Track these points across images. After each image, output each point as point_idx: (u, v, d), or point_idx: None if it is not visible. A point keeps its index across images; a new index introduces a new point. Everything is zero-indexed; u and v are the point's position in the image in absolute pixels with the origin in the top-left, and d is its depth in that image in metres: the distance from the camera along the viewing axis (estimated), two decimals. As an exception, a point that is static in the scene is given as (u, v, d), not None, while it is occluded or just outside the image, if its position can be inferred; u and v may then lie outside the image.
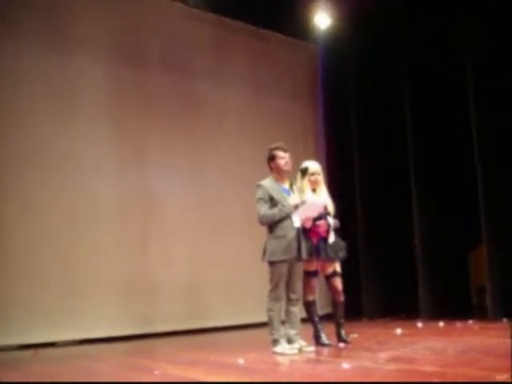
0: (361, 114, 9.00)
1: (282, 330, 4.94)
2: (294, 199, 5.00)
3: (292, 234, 4.91)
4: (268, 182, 5.07)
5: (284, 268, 4.89)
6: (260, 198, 4.99)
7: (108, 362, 5.24)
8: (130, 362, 5.22)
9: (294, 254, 4.90)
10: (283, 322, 5.02)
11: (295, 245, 4.91)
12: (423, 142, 8.02)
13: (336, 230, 5.31)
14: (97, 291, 7.13)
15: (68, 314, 6.85)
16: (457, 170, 7.86)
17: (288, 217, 4.92)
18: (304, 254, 4.98)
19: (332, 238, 5.24)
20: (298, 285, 5.10)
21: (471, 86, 7.30)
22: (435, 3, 7.85)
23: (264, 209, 4.94)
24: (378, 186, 8.71)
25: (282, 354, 4.76)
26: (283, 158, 5.05)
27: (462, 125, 7.50)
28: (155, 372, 4.19)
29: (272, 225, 4.95)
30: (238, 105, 8.79)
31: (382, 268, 8.51)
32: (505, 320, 6.60)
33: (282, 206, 4.92)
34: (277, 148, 5.10)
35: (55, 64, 7.22)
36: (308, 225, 5.02)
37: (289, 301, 5.02)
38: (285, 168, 5.07)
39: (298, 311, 5.08)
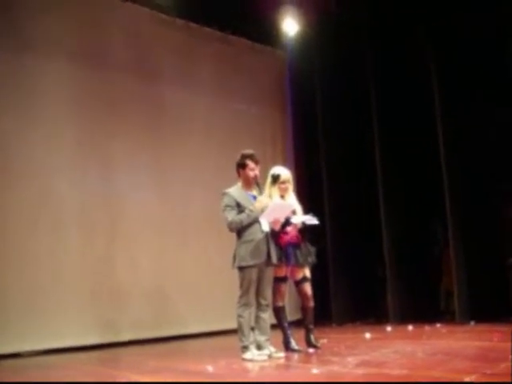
0: (328, 119, 9.03)
1: (252, 337, 4.89)
2: (262, 200, 4.95)
3: (261, 238, 4.87)
4: (234, 190, 5.03)
5: (254, 273, 4.85)
6: (227, 205, 4.94)
7: (73, 372, 5.11)
8: (95, 372, 5.11)
9: (263, 258, 4.86)
10: (253, 329, 4.97)
11: (264, 249, 4.87)
12: (390, 146, 8.09)
13: (314, 227, 5.29)
14: (61, 299, 6.96)
15: (32, 324, 6.66)
16: (424, 174, 7.95)
17: (256, 221, 4.89)
18: (274, 259, 4.94)
19: (300, 218, 5.20)
20: (268, 290, 5.06)
21: (436, 88, 7.40)
22: (401, 11, 7.93)
23: (231, 215, 4.89)
24: (346, 191, 8.74)
25: (251, 360, 4.71)
26: (253, 170, 5.00)
27: (429, 129, 7.57)
28: (120, 381, 4.09)
29: (241, 230, 4.91)
30: (205, 110, 8.71)
31: (350, 273, 8.53)
32: (472, 323, 6.67)
33: (250, 210, 4.89)
34: (249, 157, 5.03)
35: (17, 66, 7.04)
36: (277, 227, 4.98)
37: (259, 307, 4.97)
38: (252, 180, 5.02)
39: (268, 317, 5.04)
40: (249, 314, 4.87)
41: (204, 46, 8.87)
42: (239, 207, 4.92)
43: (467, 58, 7.24)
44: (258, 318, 4.98)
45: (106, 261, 7.47)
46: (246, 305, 4.86)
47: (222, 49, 9.06)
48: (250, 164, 5.00)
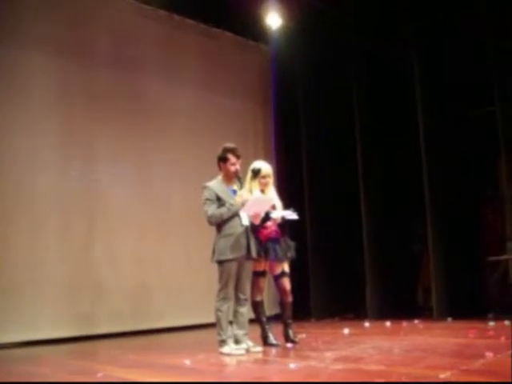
0: (311, 115, 9.04)
1: (230, 331, 4.89)
2: (242, 194, 4.93)
3: (240, 232, 4.87)
4: (215, 184, 5.02)
5: (233, 267, 4.84)
6: (207, 199, 4.92)
7: (49, 365, 5.05)
8: (72, 365, 5.07)
9: (242, 252, 4.85)
10: (231, 323, 4.97)
11: (244, 242, 4.87)
12: (371, 144, 8.13)
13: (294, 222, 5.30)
14: (38, 291, 6.88)
15: (7, 315, 6.58)
16: (404, 172, 8.01)
17: (236, 215, 4.88)
18: (253, 253, 4.93)
19: (280, 213, 5.21)
20: (247, 285, 5.06)
21: (419, 87, 7.45)
22: (386, 7, 7.96)
23: (212, 209, 4.87)
24: (327, 188, 8.77)
25: (228, 354, 4.71)
26: (234, 165, 4.99)
27: (410, 127, 7.63)
28: (98, 374, 4.06)
29: (220, 224, 4.89)
30: (188, 103, 8.66)
31: (329, 268, 8.57)
32: (449, 320, 6.74)
33: (231, 204, 4.88)
34: (231, 151, 5.00)
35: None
36: (257, 221, 4.97)
37: (237, 301, 4.97)
38: (233, 174, 5.01)
39: (247, 312, 5.04)
40: (227, 308, 4.86)
41: (187, 38, 8.80)
42: (219, 201, 4.90)
43: (451, 57, 7.31)
44: (236, 312, 4.98)
45: (85, 254, 7.40)
46: (225, 299, 4.85)
47: (206, 42, 9.01)
48: (232, 158, 4.98)
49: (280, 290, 5.33)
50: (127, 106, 8.02)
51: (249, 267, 5.01)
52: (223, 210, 4.86)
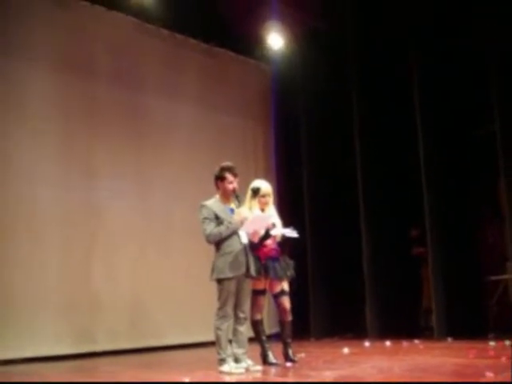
0: (311, 134, 9.08)
1: (229, 349, 4.86)
2: (240, 212, 4.91)
3: (239, 250, 4.86)
4: (212, 203, 5.00)
5: (232, 285, 4.83)
6: (205, 218, 4.91)
7: (48, 381, 5.02)
8: (71, 382, 5.03)
9: (242, 270, 4.84)
10: (230, 341, 4.95)
11: (243, 260, 4.86)
12: (372, 161, 8.15)
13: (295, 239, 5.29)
14: (38, 308, 6.87)
15: (6, 332, 6.56)
16: (404, 184, 8.03)
17: (235, 233, 4.88)
18: (253, 271, 4.92)
19: (281, 231, 5.20)
20: (247, 303, 5.04)
21: (418, 102, 7.51)
22: (387, 27, 8.04)
23: (210, 227, 4.86)
24: (327, 207, 8.78)
25: (228, 373, 4.68)
26: (231, 183, 4.96)
27: (410, 143, 7.66)
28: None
29: (219, 242, 4.89)
30: (188, 122, 8.70)
31: (330, 287, 8.55)
32: (449, 339, 6.71)
33: (229, 223, 4.88)
34: (228, 170, 4.99)
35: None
36: (256, 239, 4.97)
37: (237, 319, 4.94)
38: (231, 192, 4.99)
39: (246, 330, 5.01)
40: (227, 326, 4.84)
41: (189, 57, 8.88)
42: (218, 219, 4.89)
43: (450, 73, 7.36)
44: (235, 330, 4.95)
45: (85, 271, 7.40)
46: (225, 317, 4.83)
47: (207, 60, 9.08)
48: (229, 177, 4.97)
49: (280, 308, 5.30)
50: (127, 122, 8.06)
51: (248, 285, 4.99)
52: (222, 228, 4.86)
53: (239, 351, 4.92)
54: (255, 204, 5.27)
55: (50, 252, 7.14)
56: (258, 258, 5.11)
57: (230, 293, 4.82)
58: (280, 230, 5.23)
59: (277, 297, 5.28)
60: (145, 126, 8.21)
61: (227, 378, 4.57)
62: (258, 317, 5.26)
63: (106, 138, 7.82)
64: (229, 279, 4.81)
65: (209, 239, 4.88)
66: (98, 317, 7.36)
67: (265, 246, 5.17)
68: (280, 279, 5.22)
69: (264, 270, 5.12)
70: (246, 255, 4.89)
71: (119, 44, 8.11)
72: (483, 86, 7.00)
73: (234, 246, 4.85)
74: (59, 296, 7.08)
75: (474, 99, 7.31)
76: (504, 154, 6.65)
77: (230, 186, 4.96)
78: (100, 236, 7.59)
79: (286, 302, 5.28)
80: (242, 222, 4.86)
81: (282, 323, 5.36)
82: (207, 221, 4.89)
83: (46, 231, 7.16)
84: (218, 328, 4.81)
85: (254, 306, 5.23)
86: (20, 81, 7.15)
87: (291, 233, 5.22)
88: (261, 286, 5.18)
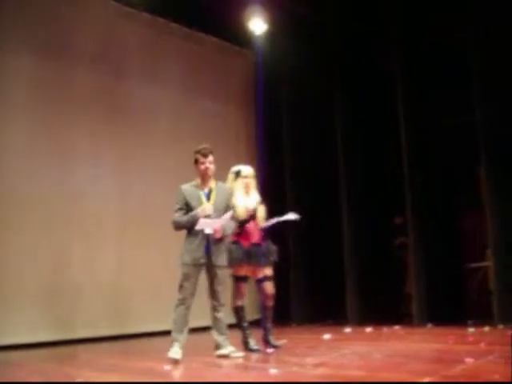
0: (295, 120, 9.06)
1: (181, 336, 4.80)
2: (205, 209, 4.84)
3: (201, 239, 4.83)
4: (187, 187, 5.00)
5: (190, 271, 4.81)
6: (176, 203, 4.94)
7: (26, 370, 4.97)
8: (49, 369, 4.98)
9: (201, 258, 4.82)
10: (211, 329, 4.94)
11: (203, 249, 4.83)
12: (354, 150, 8.15)
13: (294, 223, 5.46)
14: (15, 295, 6.79)
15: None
16: (385, 173, 8.06)
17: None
18: (219, 260, 4.86)
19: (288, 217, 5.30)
20: (219, 291, 4.93)
21: (400, 91, 7.53)
22: (368, 10, 8.01)
23: (177, 215, 4.90)
24: (309, 193, 8.77)
25: (172, 358, 4.64)
26: (203, 164, 4.96)
27: (392, 130, 7.68)
28: (78, 379, 4.01)
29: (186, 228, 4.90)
30: (170, 107, 8.62)
31: (311, 273, 8.56)
32: (429, 325, 6.76)
33: (191, 216, 4.84)
34: (198, 152, 4.99)
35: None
36: (218, 235, 4.86)
37: (213, 307, 4.92)
38: (204, 173, 4.97)
39: (224, 316, 4.97)
40: (183, 311, 4.80)
41: (171, 42, 8.78)
42: (188, 206, 4.89)
43: (434, 61, 7.37)
44: (214, 318, 4.93)
45: (64, 258, 7.32)
46: (182, 303, 4.81)
47: (189, 46, 8.99)
48: (200, 158, 4.97)
49: (262, 293, 5.30)
50: (108, 108, 7.95)
51: (220, 274, 4.91)
52: (184, 218, 4.87)
53: (220, 338, 4.91)
54: (238, 186, 5.29)
55: (26, 239, 7.03)
56: (240, 245, 5.10)
57: (187, 278, 4.82)
58: (270, 223, 5.26)
59: (260, 282, 5.28)
60: (125, 111, 8.11)
61: (210, 364, 4.56)
62: (239, 303, 5.25)
63: (86, 123, 7.69)
64: (186, 265, 4.83)
65: (173, 226, 4.95)
66: (77, 304, 7.28)
67: (247, 233, 5.17)
68: (263, 265, 5.22)
69: (247, 257, 5.11)
70: (209, 244, 4.85)
71: (99, 28, 7.98)
72: (464, 75, 7.00)
73: (197, 234, 4.83)
74: (38, 283, 7.00)
75: (454, 88, 7.31)
76: (484, 143, 6.68)
77: (202, 167, 4.96)
78: (79, 223, 7.49)
79: (270, 287, 5.29)
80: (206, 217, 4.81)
81: (264, 308, 5.36)
82: (176, 206, 4.93)
83: (23, 219, 7.03)
84: (174, 311, 4.83)
85: (236, 293, 5.22)
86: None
87: (291, 216, 5.35)
88: (242, 272, 5.17)
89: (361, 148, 8.15)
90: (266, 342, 5.29)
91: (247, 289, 5.34)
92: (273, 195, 8.44)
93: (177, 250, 7.55)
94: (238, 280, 5.20)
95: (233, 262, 5.10)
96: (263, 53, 9.55)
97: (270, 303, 5.31)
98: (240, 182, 5.31)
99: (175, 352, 4.69)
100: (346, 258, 7.98)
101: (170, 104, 8.65)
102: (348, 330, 6.94)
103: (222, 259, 4.92)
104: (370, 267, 7.89)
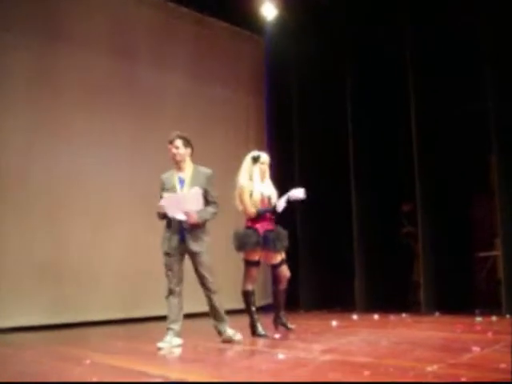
0: (304, 105, 9.02)
1: (175, 325, 4.77)
2: (162, 201, 4.79)
3: (176, 227, 4.80)
4: (167, 174, 5.02)
5: (170, 261, 4.79)
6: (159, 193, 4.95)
7: (35, 351, 5.02)
8: (58, 351, 5.03)
9: (176, 247, 4.78)
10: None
11: (179, 237, 4.79)
12: (363, 136, 8.12)
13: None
14: (28, 277, 6.83)
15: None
16: (395, 160, 8.02)
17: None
18: (193, 246, 4.78)
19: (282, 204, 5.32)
20: (207, 277, 4.82)
21: (412, 77, 7.47)
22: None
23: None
24: (318, 180, 8.74)
25: (160, 348, 4.60)
26: (170, 150, 4.98)
27: (403, 116, 7.62)
28: (84, 361, 4.05)
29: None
30: (179, 92, 8.55)
31: (319, 260, 8.58)
32: (437, 314, 6.77)
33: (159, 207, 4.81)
34: (168, 141, 5.01)
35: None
36: (192, 220, 4.72)
37: (206, 296, 4.88)
38: (173, 160, 4.98)
39: (220, 303, 4.88)
40: (172, 300, 4.79)
41: (181, 26, 8.72)
42: (166, 191, 4.89)
43: (445, 47, 7.30)
44: (209, 307, 4.90)
45: (74, 238, 7.34)
46: (170, 292, 4.80)
47: (199, 30, 8.93)
48: (168, 145, 5.01)
49: (280, 277, 5.43)
50: (116, 92, 7.88)
51: (202, 260, 4.80)
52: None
53: (219, 325, 4.90)
54: (256, 171, 5.39)
55: (37, 219, 7.07)
56: (256, 231, 5.20)
57: (169, 268, 4.81)
58: (283, 202, 5.32)
59: (277, 266, 5.40)
60: (134, 95, 8.05)
61: (215, 349, 4.59)
62: (250, 287, 5.30)
63: (92, 107, 7.63)
64: (165, 254, 4.84)
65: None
66: (88, 287, 7.31)
67: (263, 219, 5.27)
68: (278, 250, 5.32)
69: (263, 242, 5.19)
70: (182, 231, 4.79)
71: (109, 12, 7.94)
72: (477, 62, 6.94)
73: (172, 223, 4.81)
74: (49, 266, 7.02)
75: (467, 75, 7.25)
76: (496, 130, 6.64)
77: (170, 154, 4.99)
78: (87, 207, 7.47)
79: (287, 270, 5.47)
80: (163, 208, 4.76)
81: (279, 292, 5.52)
82: (159, 196, 4.91)
83: (32, 200, 7.06)
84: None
85: (247, 277, 5.28)
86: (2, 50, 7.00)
87: (298, 193, 5.43)
88: (256, 257, 5.24)
89: (371, 135, 8.11)
90: (278, 325, 5.50)
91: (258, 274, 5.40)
92: (282, 181, 8.44)
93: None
94: (251, 264, 5.27)
95: (247, 247, 5.18)
96: (273, 38, 9.50)
97: (286, 286, 5.48)
98: (258, 167, 5.40)
99: (164, 341, 4.67)
100: (355, 245, 7.97)
101: (179, 88, 8.58)
102: (355, 316, 6.96)
103: (198, 245, 4.80)
104: (379, 255, 7.89)
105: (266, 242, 5.19)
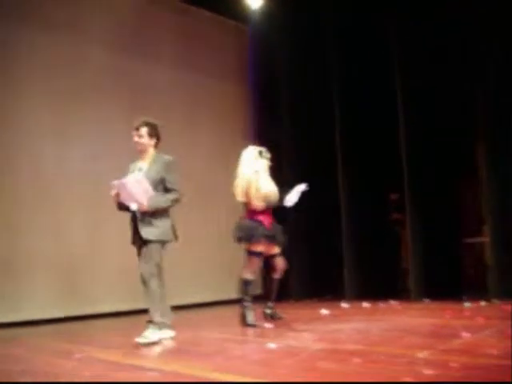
0: (291, 95, 8.99)
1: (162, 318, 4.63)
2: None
3: (132, 217, 4.70)
4: (133, 162, 4.90)
5: (137, 252, 4.73)
6: None
7: (25, 346, 4.97)
8: (50, 346, 5.01)
9: (133, 237, 4.70)
10: None
11: (133, 226, 4.70)
12: (350, 123, 8.13)
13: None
14: (20, 270, 6.77)
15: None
16: (382, 148, 8.01)
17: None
18: (145, 234, 4.58)
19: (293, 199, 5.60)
20: (141, 267, 4.63)
21: (397, 62, 7.47)
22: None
23: None
24: (306, 171, 8.72)
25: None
26: (133, 138, 4.82)
27: (389, 103, 7.60)
28: (76, 355, 4.03)
29: None
30: (164, 82, 8.45)
31: (309, 249, 8.59)
32: (426, 300, 6.81)
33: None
34: (134, 125, 4.84)
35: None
36: (143, 208, 4.56)
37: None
38: (136, 148, 4.82)
39: (148, 296, 4.63)
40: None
41: (164, 15, 8.62)
42: None
43: (429, 30, 7.27)
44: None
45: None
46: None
47: (183, 20, 8.85)
48: (133, 132, 4.83)
49: (277, 267, 5.57)
50: (100, 82, 7.77)
51: (146, 249, 4.61)
52: None
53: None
54: (262, 164, 5.56)
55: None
56: (262, 224, 5.37)
57: (139, 259, 4.69)
58: (293, 197, 5.59)
59: (274, 256, 5.54)
60: (118, 86, 7.95)
61: (210, 339, 4.59)
62: (250, 277, 5.38)
63: (78, 98, 7.55)
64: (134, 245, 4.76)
65: None
66: (90, 280, 7.28)
67: (265, 212, 5.44)
68: (278, 243, 5.51)
69: (269, 236, 5.37)
70: (135, 222, 4.68)
71: (93, 2, 7.83)
72: (464, 47, 6.93)
73: (132, 213, 4.70)
74: (42, 258, 6.98)
75: (456, 59, 7.21)
76: (484, 116, 6.66)
77: (133, 141, 4.83)
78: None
79: (284, 261, 5.63)
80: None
81: (273, 280, 5.63)
82: None
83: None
84: None
85: (249, 266, 5.39)
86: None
87: (302, 188, 5.68)
88: (259, 248, 5.36)
89: (358, 123, 8.10)
90: (269, 316, 5.53)
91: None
92: (269, 171, 8.44)
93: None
94: (254, 255, 5.37)
95: (254, 239, 5.30)
96: (258, 27, 9.42)
97: (281, 277, 5.62)
98: (265, 162, 5.57)
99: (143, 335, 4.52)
100: (344, 233, 7.99)
101: (164, 78, 8.46)
102: (345, 305, 6.98)
103: (149, 233, 4.60)
104: (367, 242, 7.90)
105: (270, 236, 5.36)
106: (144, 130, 4.78)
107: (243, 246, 5.41)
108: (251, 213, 5.40)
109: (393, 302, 6.85)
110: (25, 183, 7.03)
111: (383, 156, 8.04)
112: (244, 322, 5.26)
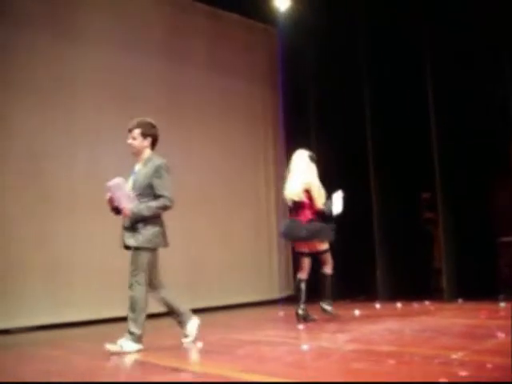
0: (320, 98, 8.98)
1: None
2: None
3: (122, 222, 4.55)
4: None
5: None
6: None
7: (64, 348, 5.09)
8: (87, 348, 5.09)
9: (120, 242, 4.54)
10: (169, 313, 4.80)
11: (122, 232, 4.55)
12: (382, 125, 8.08)
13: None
14: (54, 276, 6.91)
15: (24, 300, 6.59)
16: (413, 148, 7.96)
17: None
18: (128, 241, 4.44)
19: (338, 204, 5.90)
20: (130, 272, 4.47)
21: (429, 63, 7.38)
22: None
23: None
24: (336, 171, 8.71)
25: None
26: (127, 140, 4.64)
27: (421, 103, 7.54)
28: (111, 357, 4.11)
29: None
30: (195, 86, 8.58)
31: (341, 250, 8.54)
32: (460, 301, 6.74)
33: None
34: (128, 127, 4.66)
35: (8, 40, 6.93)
36: (126, 212, 4.41)
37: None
38: (130, 150, 4.65)
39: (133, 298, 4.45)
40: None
41: (194, 20, 8.75)
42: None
43: (462, 31, 7.18)
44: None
45: (103, 241, 7.36)
46: None
47: (212, 24, 8.95)
48: (128, 134, 4.67)
49: (327, 262, 5.83)
50: (133, 87, 7.90)
51: (132, 255, 4.45)
52: None
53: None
54: (315, 169, 5.94)
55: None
56: (300, 223, 5.65)
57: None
58: (339, 205, 5.93)
59: (323, 253, 5.79)
60: (150, 90, 8.07)
61: (240, 341, 4.61)
62: (299, 276, 5.73)
63: (109, 102, 7.67)
64: None
65: None
66: (112, 284, 7.37)
67: (303, 210, 5.71)
68: (322, 239, 5.76)
69: (310, 234, 5.61)
70: (123, 226, 4.52)
71: (123, 8, 7.99)
72: (497, 48, 6.84)
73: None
74: (78, 264, 7.11)
75: (489, 61, 7.13)
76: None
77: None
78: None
79: (330, 257, 5.90)
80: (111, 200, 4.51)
81: (324, 277, 5.82)
82: None
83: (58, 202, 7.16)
84: None
85: (299, 266, 5.79)
86: (22, 49, 7.06)
87: (340, 195, 6.01)
88: (301, 248, 5.71)
89: (390, 123, 8.05)
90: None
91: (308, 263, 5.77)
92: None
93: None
94: (300, 254, 5.76)
95: (296, 239, 5.74)
96: (287, 29, 9.46)
97: (331, 272, 5.87)
98: (314, 165, 5.91)
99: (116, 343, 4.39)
100: (376, 233, 7.96)
101: (195, 82, 8.60)
102: (378, 305, 6.96)
103: (132, 240, 4.43)
104: (400, 242, 7.85)
105: (313, 232, 5.65)
106: (137, 132, 4.59)
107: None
108: (311, 214, 5.66)
109: (426, 303, 6.80)
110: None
111: (414, 156, 7.99)
112: (305, 319, 5.58)
